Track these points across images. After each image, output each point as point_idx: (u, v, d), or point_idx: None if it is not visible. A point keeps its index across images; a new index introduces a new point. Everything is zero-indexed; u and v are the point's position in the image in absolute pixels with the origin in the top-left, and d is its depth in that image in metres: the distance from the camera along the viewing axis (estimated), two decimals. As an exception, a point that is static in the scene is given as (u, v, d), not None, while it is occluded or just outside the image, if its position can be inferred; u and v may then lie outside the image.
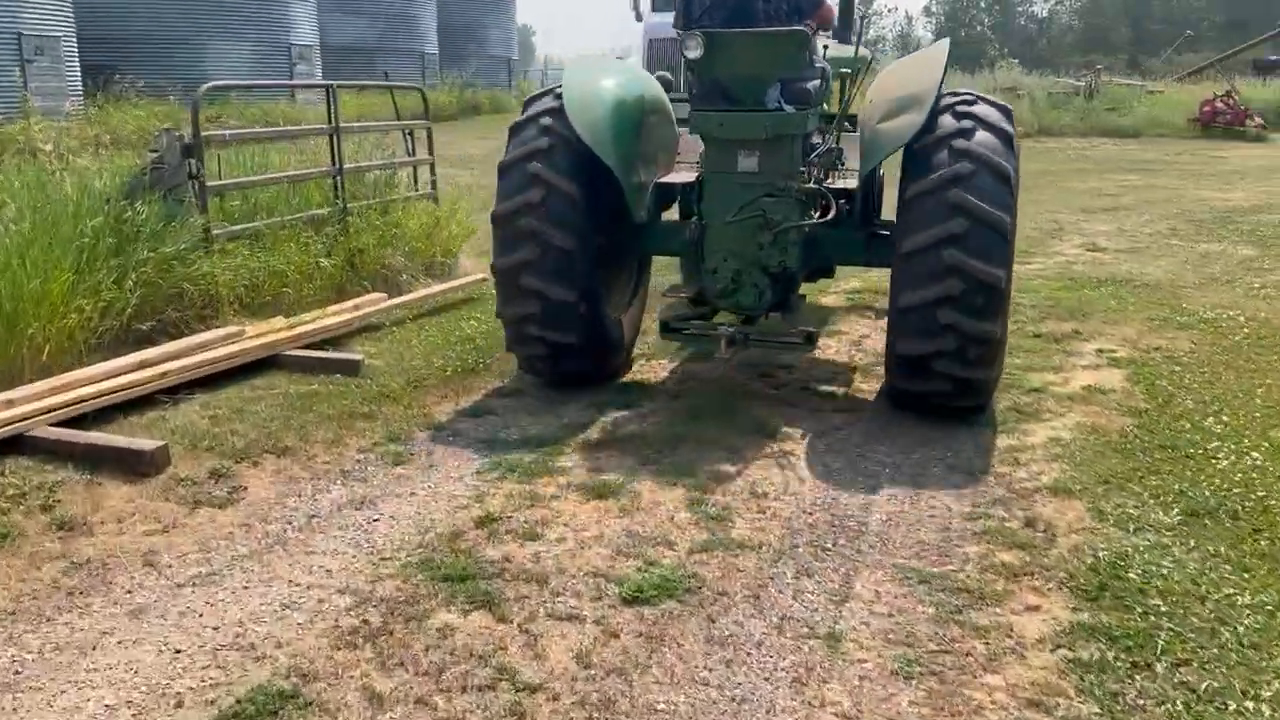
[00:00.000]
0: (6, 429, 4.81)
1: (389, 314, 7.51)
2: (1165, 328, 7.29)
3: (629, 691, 3.09)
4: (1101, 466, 4.75)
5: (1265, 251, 10.16)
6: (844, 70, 6.47)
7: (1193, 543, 3.97)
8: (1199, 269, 9.40)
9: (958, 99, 5.33)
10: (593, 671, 3.19)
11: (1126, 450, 4.95)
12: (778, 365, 6.41)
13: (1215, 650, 3.24)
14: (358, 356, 6.36)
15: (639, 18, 21.97)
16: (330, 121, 8.13)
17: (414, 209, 8.91)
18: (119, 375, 5.52)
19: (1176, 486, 4.48)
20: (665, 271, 7.75)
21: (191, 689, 3.11)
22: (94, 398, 5.27)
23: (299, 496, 4.53)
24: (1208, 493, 4.40)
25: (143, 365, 5.66)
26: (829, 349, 6.85)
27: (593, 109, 5.45)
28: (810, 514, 4.32)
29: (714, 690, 3.10)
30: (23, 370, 5.49)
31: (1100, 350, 6.73)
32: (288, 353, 6.34)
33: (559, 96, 5.58)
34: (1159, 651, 3.23)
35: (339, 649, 3.31)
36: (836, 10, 6.83)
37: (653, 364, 6.55)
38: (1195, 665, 3.17)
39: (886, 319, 5.48)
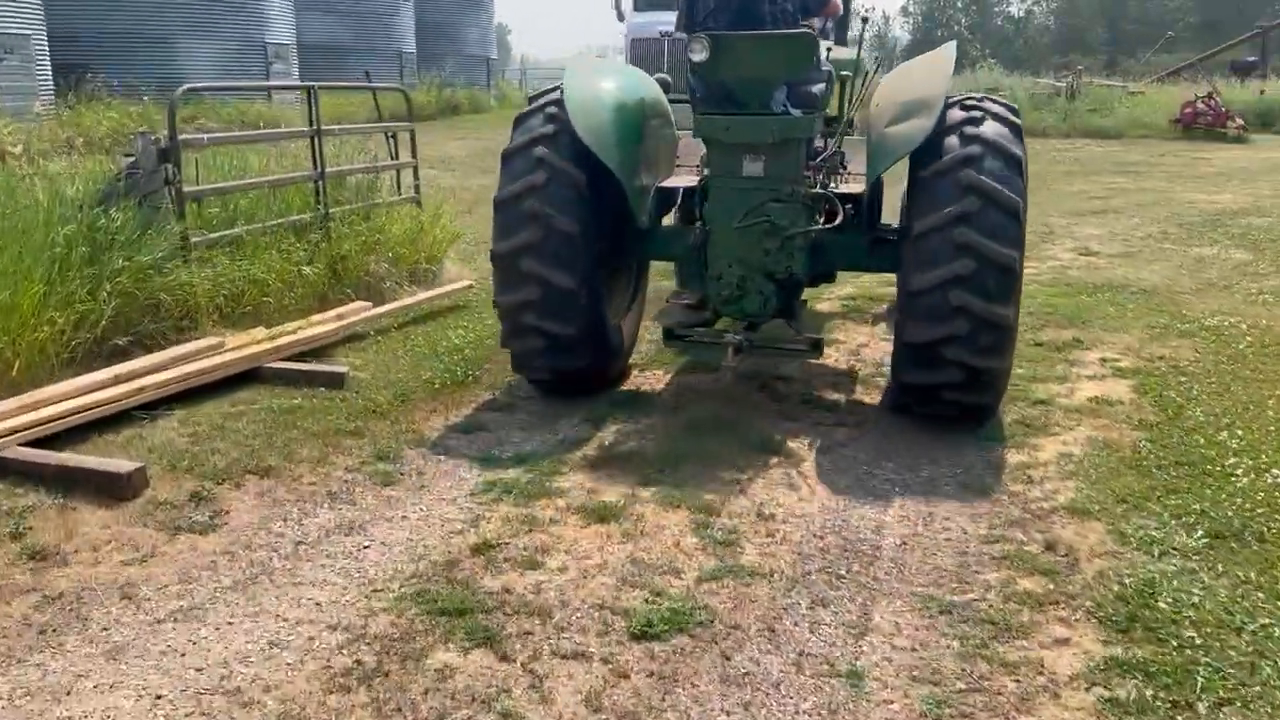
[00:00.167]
0: (-26, 450, 4.58)
1: (373, 323, 7.28)
2: (1167, 335, 7.16)
3: (643, 739, 2.90)
4: (1118, 484, 4.59)
5: (1259, 256, 10.07)
6: (844, 73, 6.36)
7: (1221, 568, 3.81)
8: (1195, 274, 9.29)
9: (965, 115, 5.21)
10: (603, 716, 3.00)
11: (1142, 467, 4.80)
12: (776, 376, 6.24)
13: (1257, 688, 3.09)
14: (342, 369, 6.14)
15: (620, 17, 21.80)
16: (311, 124, 7.89)
17: (397, 214, 8.68)
18: (93, 391, 5.28)
19: (1197, 506, 4.33)
20: (660, 277, 7.56)
21: (174, 740, 2.90)
22: (67, 415, 5.03)
23: (284, 521, 4.31)
24: (1230, 513, 4.25)
25: (118, 380, 5.43)
26: (827, 358, 6.65)
27: (595, 112, 5.33)
28: (821, 537, 4.14)
29: (734, 737, 2.92)
30: (-9, 386, 5.25)
31: (1104, 360, 6.59)
32: (269, 365, 6.11)
33: (550, 118, 5.46)
34: (1199, 689, 3.07)
35: (331, 693, 3.11)
36: (841, 3, 6.70)
37: (648, 374, 6.36)
38: (1238, 704, 3.02)
39: (893, 319, 5.50)
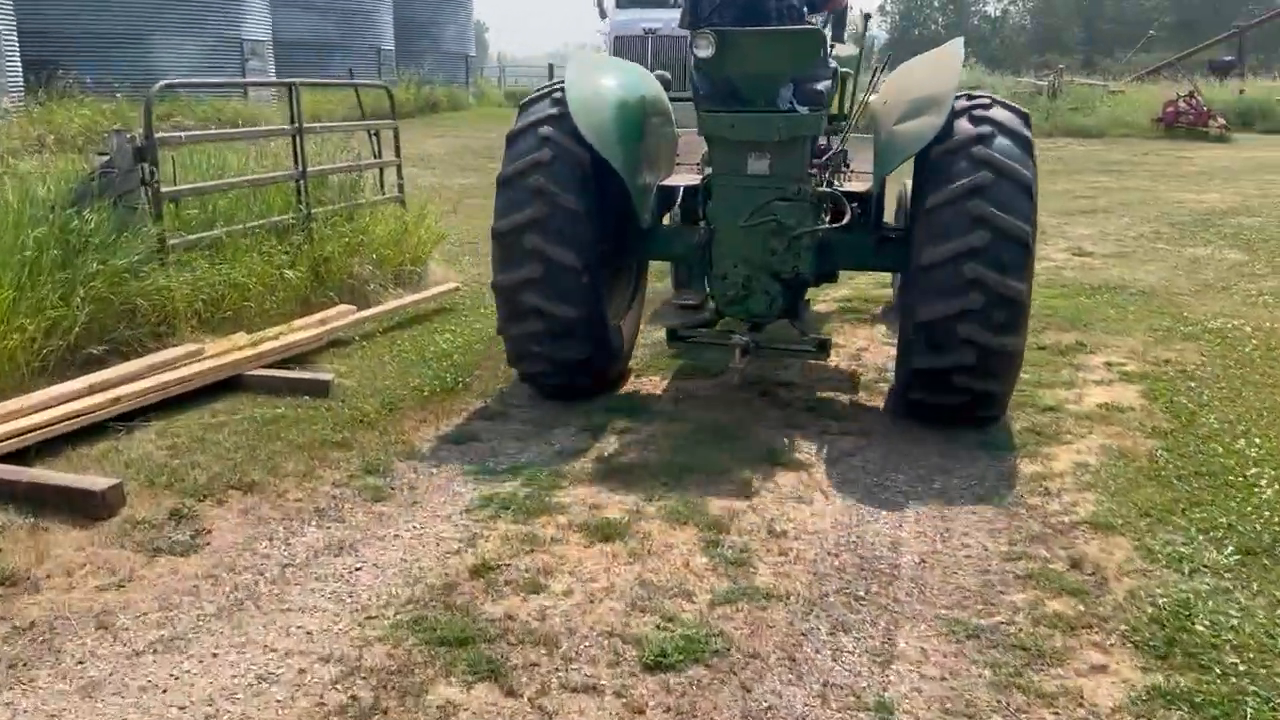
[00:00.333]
0: (-61, 467, 4.33)
1: (358, 328, 7.05)
2: (1170, 338, 7.03)
3: (664, 783, 2.70)
4: (1138, 497, 4.43)
5: (1254, 256, 9.97)
6: (844, 70, 6.22)
7: (1255, 586, 3.65)
8: (1191, 274, 9.18)
9: (973, 102, 5.12)
10: (619, 757, 2.80)
11: (1161, 478, 4.63)
12: (777, 382, 6.05)
13: (1310, 719, 2.92)
14: (327, 376, 5.90)
15: (603, 14, 21.53)
16: (292, 121, 7.64)
17: (381, 214, 8.44)
18: (66, 402, 5.03)
19: (1224, 520, 4.17)
20: (652, 279, 7.36)
21: (156, 790, 2.68)
22: (38, 428, 4.78)
23: (270, 541, 4.09)
24: (1258, 526, 4.10)
25: (92, 390, 5.18)
26: (829, 362, 6.48)
27: (597, 111, 5.21)
28: (836, 555, 3.95)
29: (761, 779, 2.72)
30: (-42, 397, 4.98)
31: (1109, 364, 6.44)
32: (251, 373, 5.87)
33: (557, 102, 5.31)
34: (1249, 721, 2.91)
35: (326, 733, 2.89)
36: None
37: (645, 379, 6.16)
38: (1292, 738, 2.85)
39: (898, 331, 5.41)
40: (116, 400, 5.16)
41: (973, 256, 4.73)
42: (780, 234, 5.26)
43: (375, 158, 8.96)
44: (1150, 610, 3.50)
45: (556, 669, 3.18)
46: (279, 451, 4.93)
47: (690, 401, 5.72)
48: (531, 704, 3.02)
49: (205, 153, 7.93)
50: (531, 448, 5.07)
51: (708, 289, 5.72)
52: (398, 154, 9.13)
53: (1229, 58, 33.07)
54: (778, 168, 5.25)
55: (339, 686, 3.10)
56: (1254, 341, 6.84)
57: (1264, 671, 3.14)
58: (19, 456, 4.62)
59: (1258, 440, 5.03)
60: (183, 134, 7.42)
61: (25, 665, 3.22)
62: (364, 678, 3.14)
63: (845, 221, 5.33)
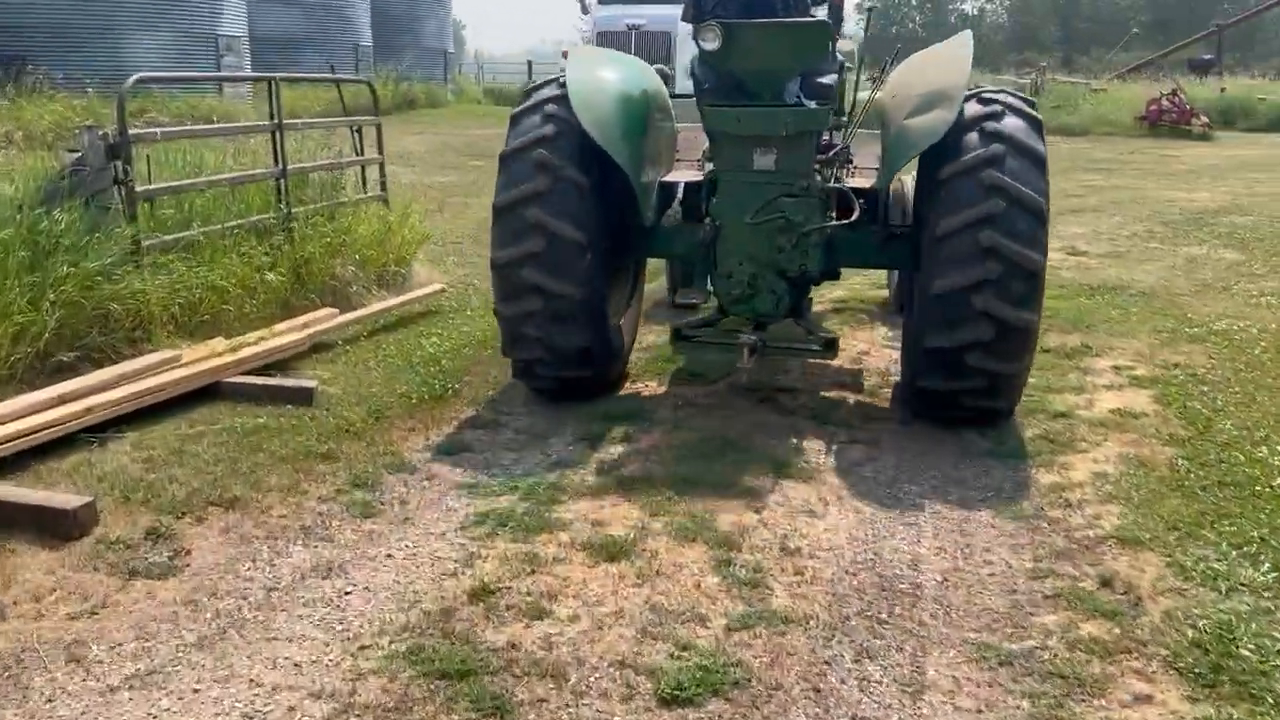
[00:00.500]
0: (-102, 484, 4.06)
1: (341, 331, 6.80)
2: (1176, 341, 6.87)
3: (690, 834, 2.49)
4: (1163, 509, 4.25)
5: (1250, 256, 9.85)
6: (846, 65, 6.06)
7: (1298, 606, 3.48)
8: (1189, 274, 9.04)
9: (985, 111, 4.98)
10: (639, 804, 2.59)
11: (1184, 489, 4.46)
12: (778, 388, 5.84)
13: (1375, 755, 2.74)
14: (310, 383, 5.66)
15: (585, 10, 21.33)
16: (272, 117, 7.37)
17: (364, 213, 8.18)
18: (35, 413, 4.77)
19: (1255, 533, 3.99)
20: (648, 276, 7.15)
21: None
22: (5, 441, 4.52)
23: (253, 562, 3.84)
24: (1292, 541, 3.92)
25: (63, 400, 4.92)
26: (830, 366, 6.29)
27: (600, 105, 5.07)
28: (854, 574, 3.75)
29: (794, 829, 2.51)
30: (-81, 408, 4.71)
31: (1117, 367, 6.27)
32: (230, 380, 5.62)
33: (563, 85, 5.18)
34: (1311, 758, 2.72)
35: (319, 780, 2.66)
36: None
37: (642, 384, 5.95)
38: (1358, 776, 2.66)
39: (906, 320, 5.46)
40: (89, 410, 4.90)
41: (989, 224, 4.64)
42: (788, 231, 5.15)
43: (357, 155, 8.69)
44: (1191, 633, 3.31)
45: (567, 704, 2.96)
46: (261, 464, 4.69)
47: (691, 408, 5.51)
48: (541, 744, 2.80)
49: (181, 150, 7.64)
50: (527, 459, 4.84)
51: (710, 287, 5.59)
52: (380, 151, 8.87)
53: (1208, 56, 33.20)
54: (784, 163, 5.13)
55: (332, 726, 2.87)
56: (1262, 344, 6.69)
57: (1319, 701, 2.96)
58: (-16, 472, 4.36)
59: (1279, 448, 4.87)
60: (158, 130, 7.14)
61: (-11, 704, 2.98)
62: (358, 716, 2.91)
63: (854, 218, 5.21)
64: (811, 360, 6.32)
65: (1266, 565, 3.74)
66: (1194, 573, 3.71)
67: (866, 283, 8.43)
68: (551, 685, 3.05)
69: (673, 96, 6.22)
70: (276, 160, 7.36)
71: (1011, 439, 5.11)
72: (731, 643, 3.28)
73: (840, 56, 5.58)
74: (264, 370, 5.88)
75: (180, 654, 3.23)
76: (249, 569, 3.79)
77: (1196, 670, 3.12)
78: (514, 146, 5.16)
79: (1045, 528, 4.13)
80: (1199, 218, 12.20)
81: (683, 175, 5.98)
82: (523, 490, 4.44)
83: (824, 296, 8.06)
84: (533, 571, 3.71)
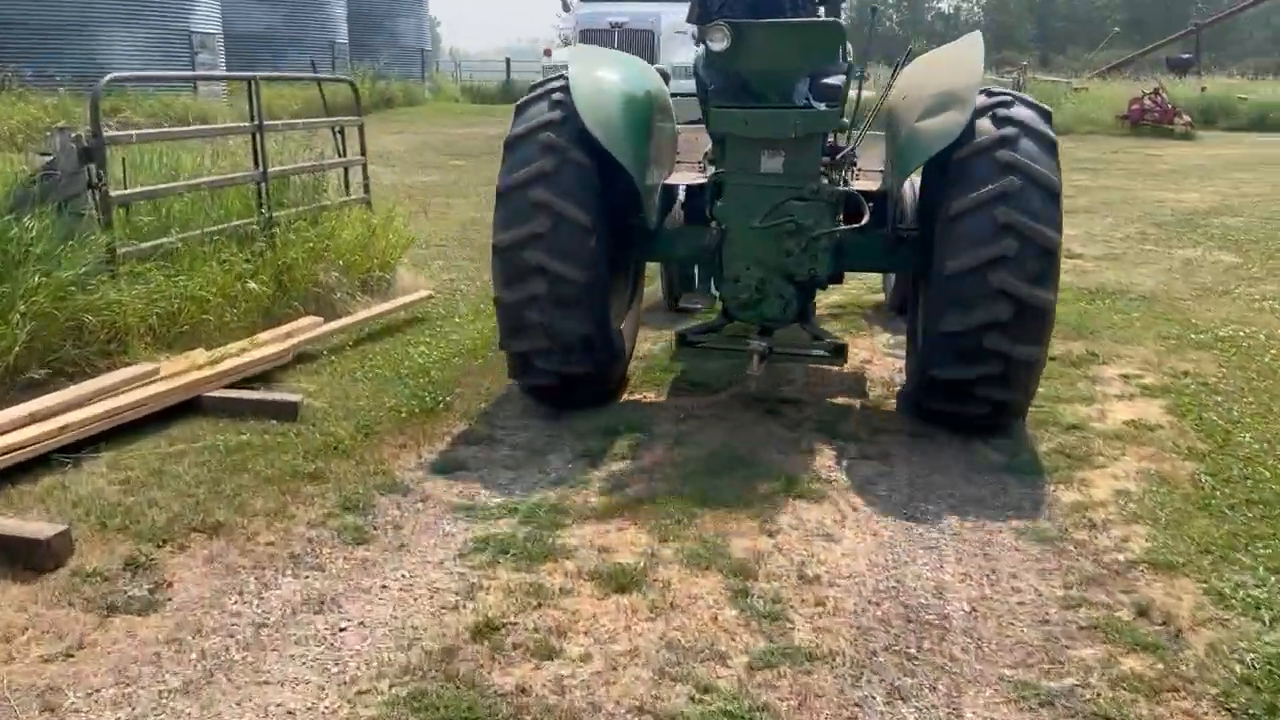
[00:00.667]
0: None
1: (325, 340, 6.55)
2: (1182, 348, 6.73)
3: None
4: (1193, 530, 4.08)
5: (1246, 258, 9.75)
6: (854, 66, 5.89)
7: (1346, 637, 3.31)
8: (1187, 278, 8.92)
9: (995, 100, 4.89)
10: None
11: (1211, 507, 4.29)
12: (783, 399, 5.65)
13: None
14: (295, 397, 5.42)
15: (566, 7, 21.10)
16: (252, 118, 7.12)
17: (347, 217, 7.92)
18: (5, 433, 4.51)
19: (1291, 556, 3.83)
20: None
21: None
22: (-27, 464, 4.27)
23: (240, 595, 3.61)
24: (1331, 565, 3.76)
25: (34, 418, 4.66)
26: (834, 376, 6.11)
27: (604, 107, 4.94)
28: (877, 604, 3.56)
29: None
30: (-119, 429, 4.44)
31: (1126, 376, 6.12)
32: (211, 394, 5.37)
33: (556, 104, 5.05)
34: (1383, 811, 2.55)
35: None
36: None
37: (641, 395, 5.75)
38: None
39: (915, 337, 5.40)
40: (62, 429, 4.65)
41: (1001, 265, 4.54)
42: (797, 235, 5.04)
43: (339, 156, 8.43)
44: (1239, 669, 3.14)
45: (584, 757, 2.75)
46: (246, 486, 4.45)
47: (693, 421, 5.30)
48: (559, 803, 2.59)
49: (157, 152, 7.36)
50: (526, 478, 4.63)
51: (715, 292, 5.51)
52: (363, 152, 8.63)
53: (1186, 55, 33.30)
54: (792, 166, 5.02)
55: (330, 785, 2.65)
56: (1271, 352, 6.55)
57: (1383, 745, 2.79)
58: (-49, 497, 4.11)
59: (1304, 463, 4.72)
60: (133, 133, 6.85)
61: (-45, 761, 2.74)
62: (359, 772, 2.70)
63: (864, 222, 5.12)
64: (814, 369, 6.16)
65: (1308, 592, 3.57)
66: (1234, 601, 3.53)
67: (863, 287, 8.26)
68: (566, 735, 2.84)
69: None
70: (257, 163, 7.11)
71: (1025, 452, 4.94)
72: (755, 683, 3.08)
73: (849, 57, 5.40)
74: (246, 383, 5.63)
75: (164, 701, 3.00)
76: (235, 603, 3.56)
77: (1251, 711, 2.95)
78: (520, 130, 5.03)
79: (1072, 551, 3.96)
80: (1190, 219, 12.11)
81: (684, 178, 5.86)
82: (523, 513, 4.22)
83: (821, 302, 7.85)
84: (539, 605, 3.50)
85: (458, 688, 3.03)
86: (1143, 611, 3.49)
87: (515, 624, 3.38)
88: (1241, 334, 6.98)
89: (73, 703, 2.99)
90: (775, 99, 5.04)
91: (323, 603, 3.55)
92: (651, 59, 16.16)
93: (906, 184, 5.51)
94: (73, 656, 3.22)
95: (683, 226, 5.76)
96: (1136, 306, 7.86)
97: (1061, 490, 4.53)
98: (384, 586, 3.67)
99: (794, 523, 4.16)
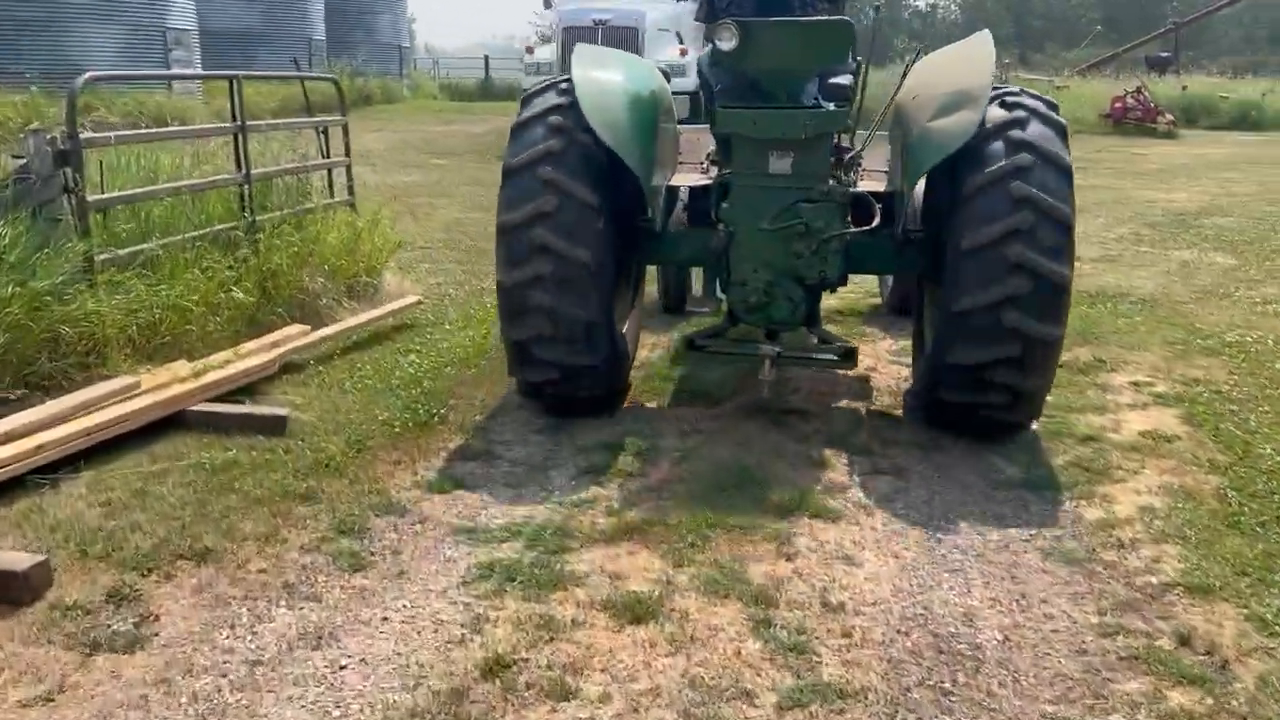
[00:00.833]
0: None
1: (313, 350, 6.32)
2: (1190, 353, 6.60)
3: None
4: (1225, 550, 3.93)
5: (1243, 260, 9.66)
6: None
7: (1398, 667, 3.16)
8: (1186, 281, 8.82)
9: (1002, 92, 4.88)
10: None
11: (1241, 525, 4.15)
12: (788, 410, 5.47)
13: None
14: (283, 411, 5.20)
15: (548, 4, 20.84)
16: (234, 118, 6.88)
17: (332, 220, 7.68)
18: (-23, 453, 4.28)
19: (1330, 579, 3.69)
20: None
21: None
22: (-56, 487, 4.03)
23: (232, 629, 3.40)
24: (1373, 587, 3.62)
25: (9, 438, 4.43)
26: (840, 385, 5.94)
27: (611, 108, 4.82)
28: (906, 634, 3.39)
29: None
30: None
31: (1136, 384, 5.99)
32: (195, 408, 5.15)
33: (564, 92, 4.90)
34: None
35: None
36: None
37: (642, 407, 5.56)
38: None
39: (921, 339, 5.41)
40: (39, 449, 4.41)
41: (1017, 238, 4.49)
42: (807, 237, 4.94)
43: (324, 157, 8.19)
44: (1293, 704, 2.99)
45: (610, 812, 2.57)
46: (234, 507, 4.23)
47: (698, 435, 5.12)
48: None
49: (135, 154, 7.10)
50: (528, 497, 4.43)
51: (719, 294, 5.44)
52: (347, 152, 8.38)
53: (1165, 54, 33.37)
54: (801, 167, 4.92)
55: (337, 847, 2.45)
56: (1281, 357, 6.44)
57: None
58: (-80, 524, 3.88)
59: (1330, 476, 4.59)
60: (112, 134, 6.57)
61: (-73, 824, 2.53)
62: (368, 832, 2.50)
63: (875, 224, 5.04)
64: (817, 377, 6.01)
65: (1354, 618, 3.43)
66: (1278, 628, 3.38)
67: (860, 291, 8.10)
68: (590, 787, 2.65)
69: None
70: (239, 165, 6.86)
71: (1041, 466, 4.79)
72: (786, 725, 2.91)
73: (859, 56, 5.26)
74: (231, 396, 5.41)
75: (153, 751, 2.80)
76: (228, 638, 3.35)
77: (1310, 751, 2.79)
78: (518, 161, 4.85)
79: (1102, 573, 3.80)
80: (1182, 219, 12.04)
81: (691, 179, 5.74)
82: (527, 535, 4.03)
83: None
84: (551, 638, 3.30)
85: (470, 734, 2.84)
86: (1184, 640, 3.34)
87: (527, 660, 3.19)
88: (1248, 339, 6.87)
89: (54, 754, 2.78)
90: (784, 99, 4.94)
91: (320, 637, 3.35)
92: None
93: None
94: (53, 700, 3.01)
95: (688, 229, 5.66)
96: (1138, 310, 7.74)
97: (1083, 506, 4.37)
98: (385, 618, 3.46)
99: (812, 545, 3.98)
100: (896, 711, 2.98)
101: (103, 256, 5.59)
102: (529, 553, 3.89)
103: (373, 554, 3.91)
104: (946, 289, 4.71)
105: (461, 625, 3.40)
